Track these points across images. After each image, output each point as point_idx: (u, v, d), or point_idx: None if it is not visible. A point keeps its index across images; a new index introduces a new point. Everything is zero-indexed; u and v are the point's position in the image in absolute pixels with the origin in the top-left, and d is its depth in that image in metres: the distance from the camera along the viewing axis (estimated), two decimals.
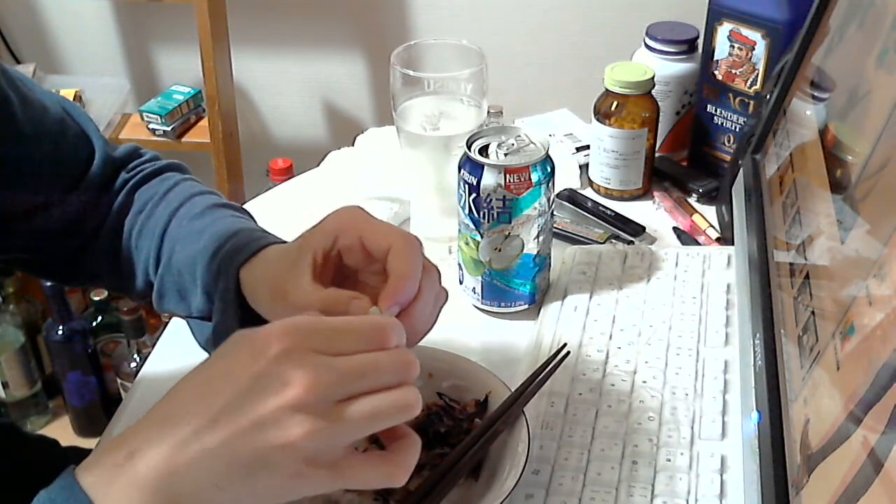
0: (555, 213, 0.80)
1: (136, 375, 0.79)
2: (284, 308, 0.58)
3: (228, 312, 0.63)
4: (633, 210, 0.95)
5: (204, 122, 1.74)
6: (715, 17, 0.92)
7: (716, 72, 0.95)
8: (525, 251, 0.77)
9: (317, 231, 0.60)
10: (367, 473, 0.47)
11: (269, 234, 0.67)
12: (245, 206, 0.74)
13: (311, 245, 0.59)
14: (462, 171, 0.75)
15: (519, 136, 0.76)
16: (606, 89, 0.94)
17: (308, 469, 0.45)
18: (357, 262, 0.59)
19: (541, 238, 0.77)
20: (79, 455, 0.80)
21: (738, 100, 0.94)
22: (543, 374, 0.67)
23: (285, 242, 0.65)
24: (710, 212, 0.95)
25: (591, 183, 1.00)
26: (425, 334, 0.58)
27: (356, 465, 0.47)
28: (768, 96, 0.80)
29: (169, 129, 1.70)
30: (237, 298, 0.63)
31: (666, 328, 0.76)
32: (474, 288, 0.80)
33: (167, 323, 0.84)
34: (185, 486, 0.44)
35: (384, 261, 0.57)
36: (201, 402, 0.45)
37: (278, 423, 0.44)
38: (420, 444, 0.49)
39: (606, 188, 0.98)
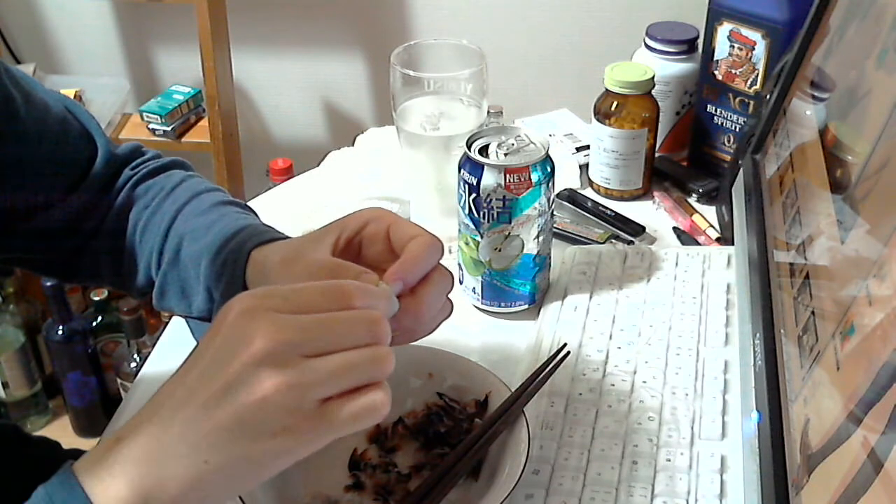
0: (555, 213, 0.80)
1: (136, 375, 0.79)
2: (293, 274, 0.58)
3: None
4: (633, 210, 0.95)
5: (204, 122, 1.74)
6: (715, 17, 0.92)
7: (716, 72, 0.95)
8: (525, 251, 0.77)
9: (348, 217, 0.61)
10: (351, 408, 0.45)
11: (276, 230, 0.67)
12: None
13: (340, 225, 0.60)
14: (462, 171, 0.75)
15: (519, 136, 0.76)
16: (606, 89, 0.94)
17: (291, 421, 0.44)
18: (376, 255, 0.59)
19: (541, 238, 0.77)
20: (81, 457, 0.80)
21: (738, 100, 0.94)
22: (543, 374, 0.67)
23: (287, 236, 0.66)
24: (710, 212, 0.95)
25: (591, 183, 1.00)
26: (424, 335, 0.58)
27: (335, 404, 0.45)
28: (768, 96, 0.80)
29: (169, 129, 1.70)
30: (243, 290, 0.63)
31: (666, 328, 0.76)
32: (474, 288, 0.80)
33: (167, 323, 0.84)
34: (170, 463, 0.44)
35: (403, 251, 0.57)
36: (180, 381, 0.46)
37: (247, 380, 0.43)
38: (389, 392, 0.46)
39: (606, 188, 0.98)
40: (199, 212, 0.69)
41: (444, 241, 0.87)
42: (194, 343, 0.69)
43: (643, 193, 0.98)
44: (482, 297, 0.81)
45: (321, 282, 0.49)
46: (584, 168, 1.01)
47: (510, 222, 0.75)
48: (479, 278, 0.79)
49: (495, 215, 0.75)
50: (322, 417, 0.44)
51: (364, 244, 0.60)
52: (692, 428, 0.66)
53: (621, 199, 0.98)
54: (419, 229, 0.58)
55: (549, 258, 0.81)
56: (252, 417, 0.43)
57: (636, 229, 0.92)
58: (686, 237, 0.92)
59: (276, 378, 0.43)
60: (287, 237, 0.66)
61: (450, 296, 0.59)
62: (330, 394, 0.45)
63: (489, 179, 0.73)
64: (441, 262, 0.58)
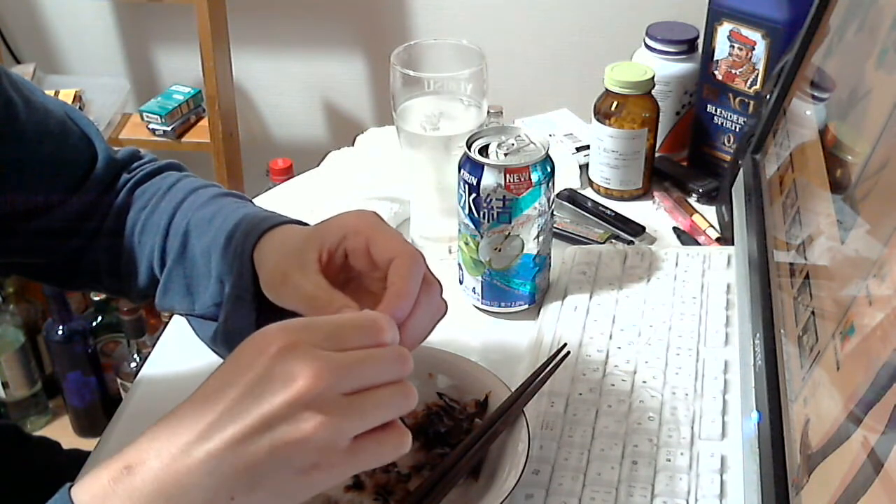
0: (555, 213, 0.80)
1: (136, 375, 0.79)
2: (287, 293, 0.59)
3: (244, 300, 0.63)
4: (633, 210, 0.95)
5: (204, 122, 1.74)
6: (715, 17, 0.92)
7: (716, 72, 0.95)
8: (525, 251, 0.77)
9: (326, 226, 0.60)
10: (379, 447, 0.46)
11: (274, 213, 0.67)
12: None
13: (319, 240, 0.59)
14: (462, 171, 0.75)
15: (519, 136, 0.76)
16: (606, 89, 0.94)
17: (323, 458, 0.44)
18: (362, 267, 0.59)
19: (541, 238, 0.77)
20: (80, 458, 0.80)
21: (738, 100, 0.94)
22: (543, 374, 0.67)
23: (290, 220, 0.65)
24: (710, 212, 0.95)
25: (591, 183, 1.00)
26: (418, 345, 0.58)
27: (366, 442, 0.46)
28: (768, 96, 0.80)
29: (169, 129, 1.70)
30: (253, 286, 0.62)
31: (666, 328, 0.76)
32: (474, 288, 0.80)
33: (167, 323, 0.84)
34: (189, 497, 0.42)
35: (386, 271, 0.57)
36: (203, 408, 0.44)
37: (289, 419, 0.43)
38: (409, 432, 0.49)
39: (606, 188, 0.98)
40: (197, 206, 0.69)
41: (445, 242, 0.88)
42: (195, 343, 0.69)
43: (643, 193, 0.98)
44: (482, 297, 0.81)
45: (356, 315, 0.50)
46: (584, 168, 1.01)
47: (510, 222, 0.75)
48: (479, 278, 0.79)
49: (495, 215, 0.75)
50: (352, 455, 0.45)
51: (348, 255, 0.60)
52: (692, 428, 0.66)
53: (621, 199, 0.98)
54: (397, 244, 0.57)
55: (549, 258, 0.81)
56: (286, 455, 0.43)
57: (636, 229, 0.92)
58: (686, 237, 0.92)
59: (318, 419, 0.43)
60: (286, 219, 0.66)
61: (450, 294, 0.59)
62: (363, 430, 0.46)
63: (489, 179, 0.73)
64: (428, 265, 0.58)
